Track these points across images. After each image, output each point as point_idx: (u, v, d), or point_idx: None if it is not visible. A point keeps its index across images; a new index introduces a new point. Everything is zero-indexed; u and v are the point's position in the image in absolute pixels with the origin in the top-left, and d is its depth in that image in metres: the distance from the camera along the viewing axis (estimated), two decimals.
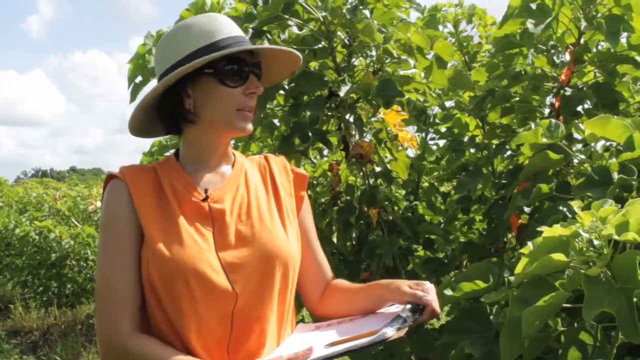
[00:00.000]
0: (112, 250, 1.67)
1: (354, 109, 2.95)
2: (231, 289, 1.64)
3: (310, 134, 2.97)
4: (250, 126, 1.74)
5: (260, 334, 1.69)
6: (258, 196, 1.80)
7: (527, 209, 2.81)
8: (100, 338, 1.66)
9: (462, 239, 3.82)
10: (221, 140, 1.79)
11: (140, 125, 1.82)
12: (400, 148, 3.10)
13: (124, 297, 1.65)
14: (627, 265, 1.47)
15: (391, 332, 1.51)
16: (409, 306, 1.65)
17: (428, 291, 1.69)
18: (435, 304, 1.68)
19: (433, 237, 3.56)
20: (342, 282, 1.95)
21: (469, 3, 4.23)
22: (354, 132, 2.96)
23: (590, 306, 1.47)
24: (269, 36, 3.02)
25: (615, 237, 1.49)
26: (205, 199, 1.73)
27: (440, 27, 3.97)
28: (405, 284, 1.72)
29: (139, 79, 3.49)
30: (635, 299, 1.46)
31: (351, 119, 2.94)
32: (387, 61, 2.95)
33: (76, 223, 9.68)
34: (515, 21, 2.86)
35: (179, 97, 1.73)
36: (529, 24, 2.71)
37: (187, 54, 1.70)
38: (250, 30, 2.99)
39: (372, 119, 3.04)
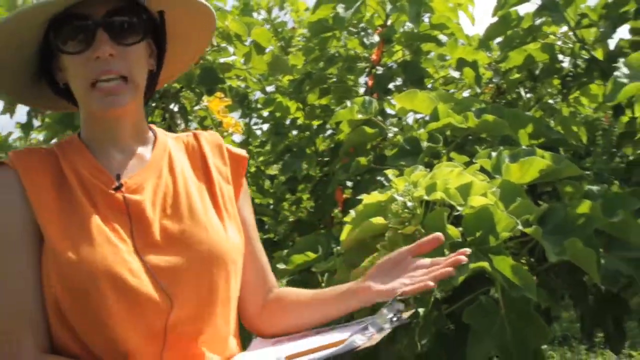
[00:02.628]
0: (4, 256, 1.30)
1: (177, 98, 3.00)
2: (161, 298, 1.28)
3: None
4: (112, 100, 1.30)
5: (200, 354, 1.33)
6: (187, 184, 1.42)
7: (349, 184, 2.99)
8: None
9: (291, 218, 3.97)
10: (112, 119, 1.37)
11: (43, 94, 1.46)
12: (225, 134, 3.18)
13: (24, 311, 1.29)
14: (437, 222, 1.64)
15: (360, 341, 1.27)
16: (385, 310, 1.33)
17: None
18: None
19: (264, 218, 3.69)
20: (291, 290, 1.59)
21: None
22: (179, 122, 3.01)
23: None
24: None
25: (426, 197, 1.66)
26: (118, 188, 1.34)
27: (255, 14, 4.09)
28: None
29: None
30: (447, 251, 1.63)
31: (175, 109, 2.99)
32: (207, 49, 3.02)
33: None
34: (327, 6, 3.01)
35: (52, 71, 1.38)
36: (340, 8, 2.88)
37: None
38: None
39: (196, 107, 3.10)
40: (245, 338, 1.53)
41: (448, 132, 2.29)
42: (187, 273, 1.31)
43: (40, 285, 1.29)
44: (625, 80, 1.75)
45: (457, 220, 1.72)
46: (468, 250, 1.36)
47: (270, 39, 3.07)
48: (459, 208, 1.66)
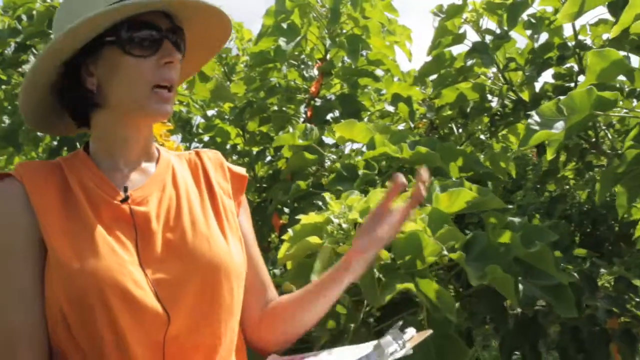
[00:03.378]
0: (6, 270, 1.31)
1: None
2: (162, 310, 1.29)
3: (79, 145, 3.03)
4: (168, 108, 1.35)
5: None
6: (190, 198, 1.45)
7: (287, 210, 3.09)
8: None
9: None
10: (136, 128, 1.41)
11: (40, 117, 1.46)
12: None
13: (23, 326, 1.30)
14: None
15: None
16: (388, 338, 1.32)
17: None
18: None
19: None
20: (285, 295, 1.61)
21: None
22: None
23: None
24: (34, 51, 3.06)
25: (359, 220, 1.77)
26: (125, 200, 1.37)
27: None
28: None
29: None
30: (377, 272, 1.74)
31: None
32: None
33: None
34: (269, 39, 3.13)
35: (79, 76, 1.38)
36: (281, 41, 3.00)
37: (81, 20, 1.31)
38: (13, 45, 3.02)
39: None
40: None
41: (383, 163, 2.42)
42: (188, 285, 1.33)
43: (42, 299, 1.30)
44: (536, 128, 1.92)
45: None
46: (425, 177, 1.43)
47: (214, 68, 3.16)
48: None
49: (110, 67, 1.34)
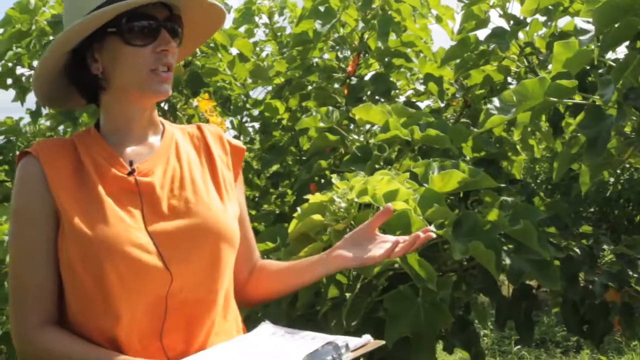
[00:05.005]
0: (23, 235, 1.52)
1: (167, 98, 3.32)
2: (164, 268, 1.48)
3: None
4: (167, 88, 1.54)
5: (201, 321, 1.54)
6: (192, 169, 1.62)
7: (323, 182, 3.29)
8: (12, 335, 1.52)
9: (277, 211, 4.28)
10: (139, 106, 1.59)
11: (54, 94, 1.64)
12: None
13: (35, 288, 1.50)
14: (363, 220, 1.94)
15: None
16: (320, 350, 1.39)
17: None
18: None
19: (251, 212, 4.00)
20: (272, 262, 1.88)
21: None
22: (170, 118, 3.34)
23: None
24: None
25: (356, 199, 1.97)
26: (131, 173, 1.54)
27: (256, 18, 4.40)
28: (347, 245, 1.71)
29: None
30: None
31: (166, 107, 3.32)
32: (197, 55, 3.35)
33: None
34: (308, 21, 3.32)
35: (84, 62, 1.55)
36: (317, 24, 3.19)
37: (87, 12, 1.49)
38: None
39: (186, 106, 3.42)
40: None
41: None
42: (190, 246, 1.51)
43: (54, 262, 1.51)
44: (494, 112, 2.10)
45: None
46: (432, 234, 1.68)
47: (252, 50, 3.39)
48: None
49: (112, 55, 1.53)
